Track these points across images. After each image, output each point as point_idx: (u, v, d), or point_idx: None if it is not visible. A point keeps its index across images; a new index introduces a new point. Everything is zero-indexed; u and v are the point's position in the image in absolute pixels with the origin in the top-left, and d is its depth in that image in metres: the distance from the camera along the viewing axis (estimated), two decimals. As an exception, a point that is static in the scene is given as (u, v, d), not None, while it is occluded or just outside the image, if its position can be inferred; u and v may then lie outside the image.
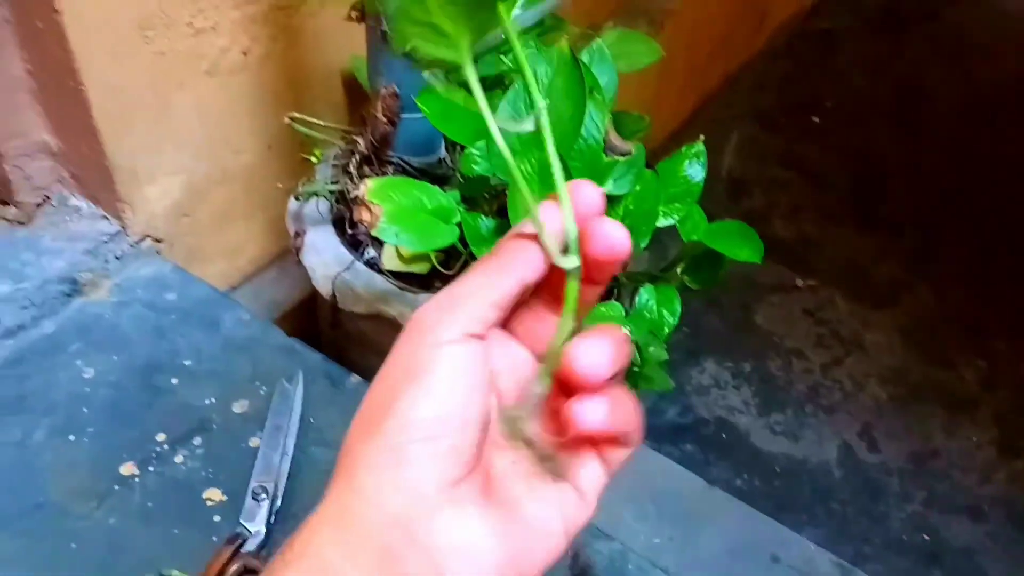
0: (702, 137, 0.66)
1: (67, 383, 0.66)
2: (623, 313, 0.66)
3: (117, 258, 0.75)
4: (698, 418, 1.35)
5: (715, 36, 1.71)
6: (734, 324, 1.51)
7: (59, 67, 0.66)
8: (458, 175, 0.65)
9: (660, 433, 1.32)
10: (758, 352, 1.47)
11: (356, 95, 0.89)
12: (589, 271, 0.31)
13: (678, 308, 0.67)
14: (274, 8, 0.77)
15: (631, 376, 0.71)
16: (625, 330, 0.31)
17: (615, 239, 0.30)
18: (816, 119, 1.97)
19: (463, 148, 0.65)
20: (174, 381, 0.67)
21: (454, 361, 0.29)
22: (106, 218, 0.76)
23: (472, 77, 0.30)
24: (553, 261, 0.31)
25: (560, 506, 0.31)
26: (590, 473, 0.32)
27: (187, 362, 0.68)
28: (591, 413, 0.29)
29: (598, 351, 0.29)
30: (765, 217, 1.72)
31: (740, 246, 0.66)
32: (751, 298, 1.55)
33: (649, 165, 0.66)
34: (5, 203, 0.76)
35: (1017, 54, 2.30)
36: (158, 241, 0.79)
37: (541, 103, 0.31)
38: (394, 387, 0.29)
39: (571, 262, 0.31)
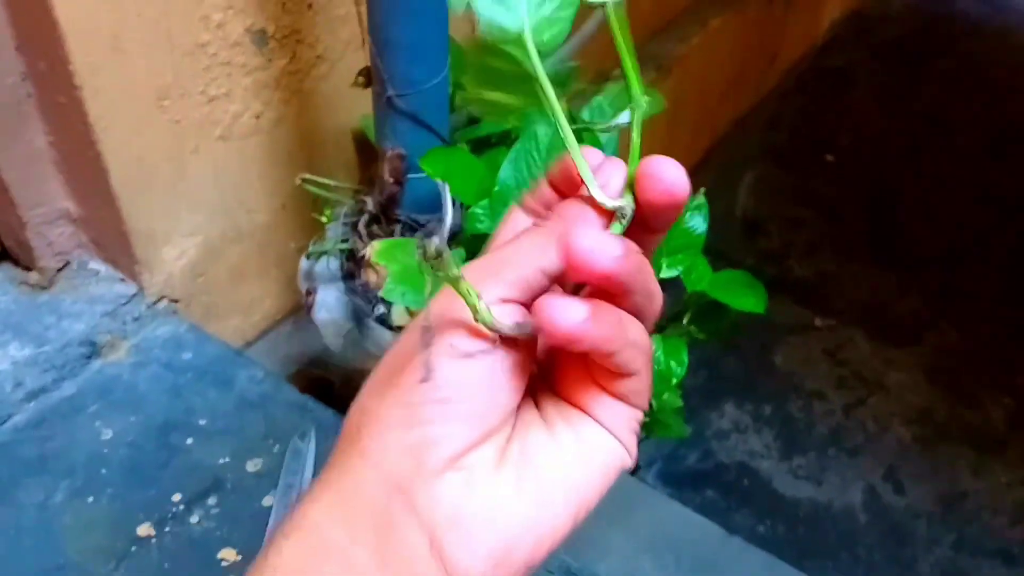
0: (703, 189, 0.67)
1: (86, 444, 0.67)
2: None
3: (135, 319, 0.77)
4: (719, 463, 1.34)
5: (725, 77, 1.72)
6: (753, 366, 1.50)
7: (79, 138, 0.68)
8: (464, 232, 0.66)
9: (680, 480, 1.31)
10: (778, 394, 1.45)
11: (367, 153, 0.91)
12: (645, 217, 0.29)
13: (685, 358, 0.67)
14: (285, 73, 0.79)
15: (644, 424, 0.71)
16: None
17: (670, 179, 0.28)
18: (831, 157, 1.97)
19: (468, 206, 0.66)
20: (189, 440, 0.68)
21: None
22: (124, 280, 0.78)
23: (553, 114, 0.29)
24: (599, 203, 0.28)
25: (589, 454, 0.28)
26: (610, 411, 0.29)
27: (202, 421, 0.69)
28: (564, 311, 0.25)
29: (604, 238, 0.26)
30: (782, 256, 1.71)
31: (744, 296, 0.66)
32: (769, 339, 1.54)
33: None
34: (28, 268, 0.78)
35: (1034, 87, 2.29)
36: (175, 301, 0.81)
37: (641, 98, 0.30)
38: (419, 341, 0.27)
39: (617, 202, 0.28)
